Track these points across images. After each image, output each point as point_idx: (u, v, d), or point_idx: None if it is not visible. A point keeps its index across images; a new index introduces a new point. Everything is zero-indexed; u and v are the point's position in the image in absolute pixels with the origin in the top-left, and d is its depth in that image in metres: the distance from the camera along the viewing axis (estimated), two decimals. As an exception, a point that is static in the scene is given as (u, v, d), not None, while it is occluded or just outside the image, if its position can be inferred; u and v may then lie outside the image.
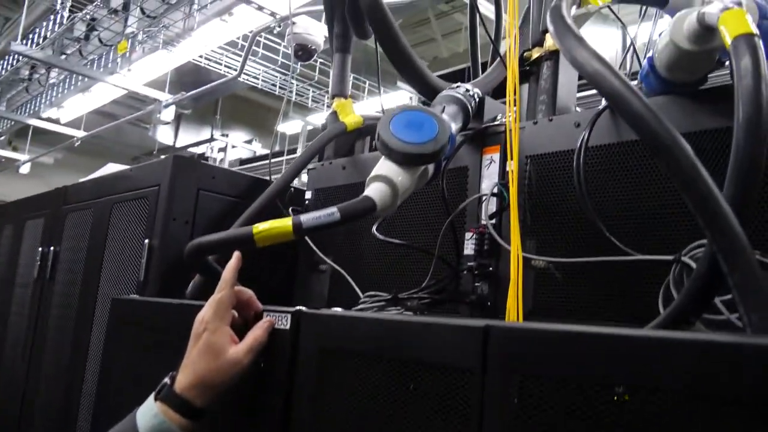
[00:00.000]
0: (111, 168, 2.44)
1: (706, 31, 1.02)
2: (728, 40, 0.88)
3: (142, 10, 4.35)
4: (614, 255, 1.20)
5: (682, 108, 1.20)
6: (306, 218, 1.13)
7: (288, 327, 1.11)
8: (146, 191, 1.89)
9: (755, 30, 0.87)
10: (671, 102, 1.22)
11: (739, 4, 1.04)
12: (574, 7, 1.12)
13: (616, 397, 0.68)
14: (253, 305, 1.17)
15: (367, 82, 7.52)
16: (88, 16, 4.92)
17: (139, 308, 1.60)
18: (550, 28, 1.04)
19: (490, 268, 1.44)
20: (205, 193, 1.87)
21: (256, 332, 1.10)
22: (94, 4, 4.79)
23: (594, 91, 1.66)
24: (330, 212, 1.13)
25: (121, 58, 5.04)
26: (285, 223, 1.13)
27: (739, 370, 0.60)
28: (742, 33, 0.86)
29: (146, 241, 1.79)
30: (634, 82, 1.25)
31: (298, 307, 1.12)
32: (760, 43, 0.85)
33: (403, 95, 7.16)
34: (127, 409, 1.11)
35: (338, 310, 1.12)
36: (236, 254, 1.17)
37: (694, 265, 1.01)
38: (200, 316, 1.10)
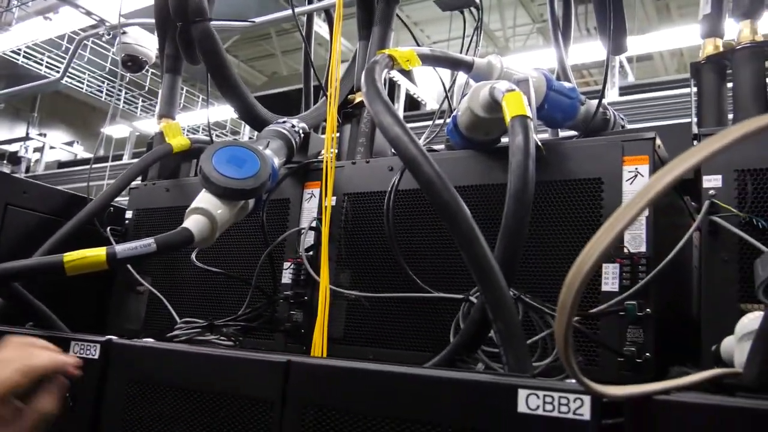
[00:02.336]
0: None
1: (496, 103, 1.18)
2: (508, 118, 1.04)
3: (-49, -3, 3.99)
4: (416, 290, 1.33)
5: (480, 162, 1.36)
6: (121, 249, 1.14)
7: (97, 357, 1.11)
8: (-55, 202, 1.76)
9: (529, 112, 1.03)
10: (470, 156, 1.38)
11: (526, 81, 1.22)
12: (387, 69, 1.24)
13: None
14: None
15: (200, 96, 7.38)
16: None
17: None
18: (363, 89, 1.15)
19: (305, 298, 1.52)
20: (14, 209, 1.78)
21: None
22: None
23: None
24: (146, 243, 1.15)
25: None
26: (98, 253, 1.13)
27: (494, 405, 0.73)
28: (518, 114, 1.02)
29: (-58, 257, 1.67)
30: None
31: (108, 337, 1.12)
32: (531, 124, 1.02)
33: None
34: None
35: (149, 340, 1.14)
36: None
37: (478, 304, 1.16)
38: None
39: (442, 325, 1.31)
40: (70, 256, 1.12)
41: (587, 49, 5.43)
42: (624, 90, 4.10)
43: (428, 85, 6.15)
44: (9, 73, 6.34)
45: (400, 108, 5.35)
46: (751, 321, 0.92)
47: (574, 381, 0.72)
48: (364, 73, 1.18)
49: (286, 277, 1.56)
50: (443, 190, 0.93)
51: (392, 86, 5.41)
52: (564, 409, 0.69)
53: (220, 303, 1.66)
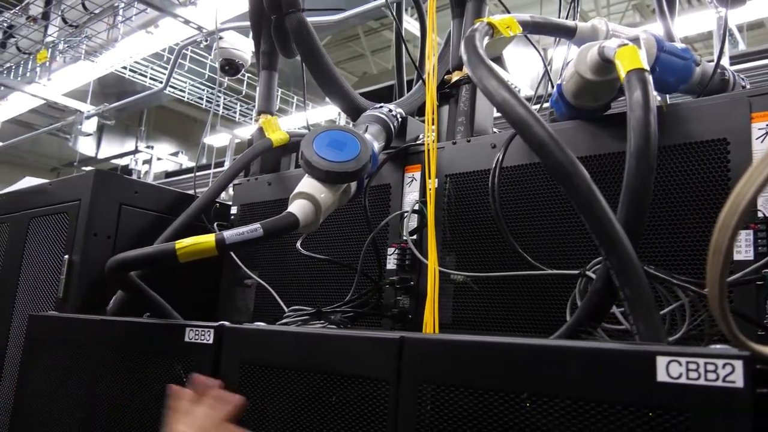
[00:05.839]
0: (28, 182, 2.38)
1: (606, 63, 1.11)
2: (623, 74, 0.96)
3: (64, 20, 4.24)
4: (526, 269, 1.27)
5: (588, 132, 1.28)
6: (229, 234, 1.15)
7: (211, 341, 1.13)
8: (66, 206, 1.85)
9: (646, 66, 0.96)
10: (578, 126, 1.30)
11: (636, 40, 1.14)
12: (487, 37, 1.18)
13: (528, 404, 0.74)
14: None
15: (295, 97, 7.54)
16: (5, 24, 4.76)
17: (58, 325, 1.57)
18: (464, 57, 1.10)
19: (411, 283, 1.49)
20: (127, 208, 1.85)
21: None
22: (12, 12, 4.64)
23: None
24: (253, 228, 1.16)
25: (40, 67, 4.89)
26: (208, 239, 1.14)
27: (629, 375, 0.67)
28: (635, 68, 0.95)
29: (66, 256, 1.76)
30: (547, 104, 1.34)
31: (221, 322, 1.14)
32: (650, 78, 0.94)
33: (332, 110, 7.17)
34: (44, 428, 1.10)
35: (261, 324, 1.14)
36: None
37: (596, 279, 1.09)
38: None
39: (556, 305, 1.24)
40: (182, 243, 1.14)
41: (691, 21, 5.13)
42: (735, 59, 3.82)
43: (521, 72, 6.00)
44: (117, 90, 6.72)
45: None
46: None
47: (718, 347, 0.66)
48: (464, 41, 1.13)
49: (391, 263, 1.54)
50: (557, 151, 0.87)
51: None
52: (711, 376, 0.62)
53: (326, 291, 1.66)
